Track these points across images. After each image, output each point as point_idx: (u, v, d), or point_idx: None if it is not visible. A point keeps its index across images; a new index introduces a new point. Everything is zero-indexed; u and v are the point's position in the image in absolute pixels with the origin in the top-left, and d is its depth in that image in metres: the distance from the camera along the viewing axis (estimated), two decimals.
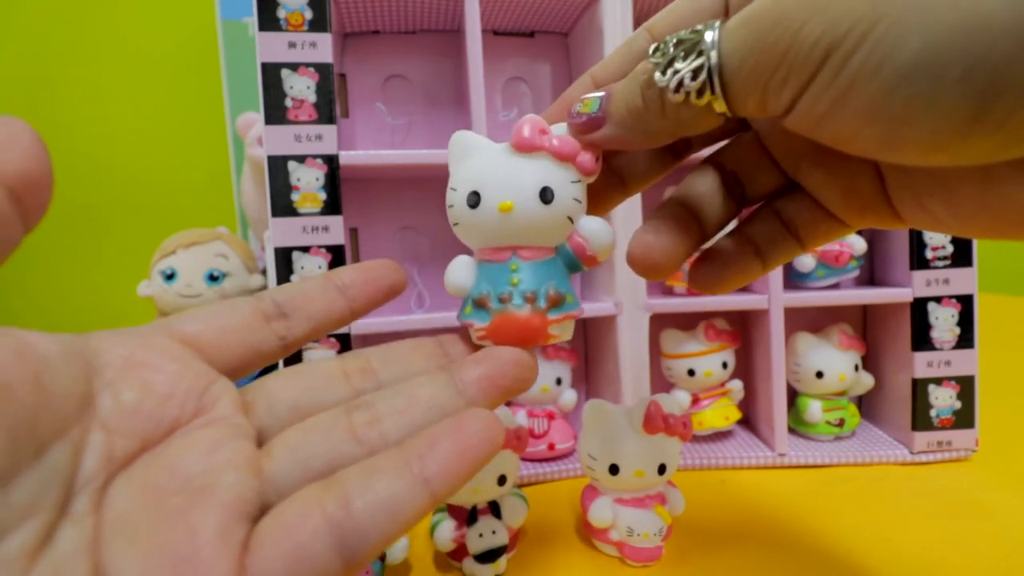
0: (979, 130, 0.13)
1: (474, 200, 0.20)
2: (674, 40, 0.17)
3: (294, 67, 0.35)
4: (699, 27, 0.16)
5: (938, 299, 0.40)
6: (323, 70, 0.35)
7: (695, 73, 0.16)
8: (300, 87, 0.35)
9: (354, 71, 0.44)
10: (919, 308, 0.40)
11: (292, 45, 0.35)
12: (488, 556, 0.29)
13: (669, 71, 0.16)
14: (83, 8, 0.85)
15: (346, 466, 0.16)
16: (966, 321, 0.40)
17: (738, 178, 0.22)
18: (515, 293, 0.20)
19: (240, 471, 0.15)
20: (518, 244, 0.20)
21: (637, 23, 0.40)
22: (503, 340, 0.20)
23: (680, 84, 0.16)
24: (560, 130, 0.20)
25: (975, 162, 0.14)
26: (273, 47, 0.35)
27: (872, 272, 0.46)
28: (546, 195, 0.19)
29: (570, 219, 0.20)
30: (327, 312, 0.20)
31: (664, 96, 0.17)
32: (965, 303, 0.40)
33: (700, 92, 0.16)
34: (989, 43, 0.12)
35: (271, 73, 0.35)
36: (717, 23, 0.16)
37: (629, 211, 0.39)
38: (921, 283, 0.40)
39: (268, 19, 0.35)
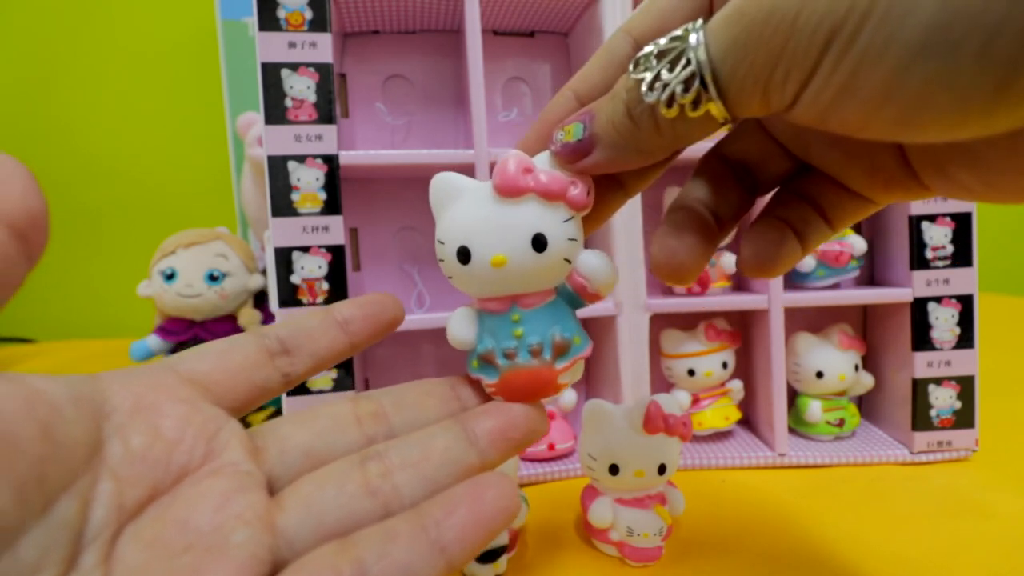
0: (1005, 103, 0.12)
1: (464, 255, 0.19)
2: (655, 51, 0.15)
3: (294, 67, 0.35)
4: (678, 33, 0.15)
5: (938, 299, 0.40)
6: (323, 70, 0.35)
7: (686, 84, 0.15)
8: (300, 87, 0.35)
9: (354, 71, 0.44)
10: (919, 308, 0.40)
11: (292, 45, 0.35)
12: (488, 556, 0.29)
13: (657, 85, 0.15)
14: (83, 8, 0.85)
15: (360, 522, 0.16)
16: (966, 321, 0.40)
17: (747, 167, 0.21)
18: (520, 347, 0.19)
19: (251, 527, 0.15)
20: (516, 293, 0.20)
21: None
22: (514, 396, 0.20)
23: (672, 98, 0.15)
24: (543, 161, 0.19)
25: (1002, 131, 0.13)
26: (273, 47, 0.35)
27: (872, 272, 0.46)
28: (539, 243, 0.18)
29: (567, 260, 0.19)
30: (329, 348, 0.20)
31: (656, 112, 0.16)
32: (965, 303, 0.40)
33: (696, 103, 0.15)
34: (1007, 9, 0.11)
35: (271, 73, 0.35)
36: (699, 23, 0.15)
37: (630, 214, 0.39)
38: (921, 283, 0.40)
39: (268, 19, 0.35)
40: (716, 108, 0.15)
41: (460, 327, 0.21)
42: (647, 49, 0.16)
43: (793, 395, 0.44)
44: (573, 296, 0.20)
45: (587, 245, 0.20)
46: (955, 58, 0.11)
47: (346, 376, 0.37)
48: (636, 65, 0.16)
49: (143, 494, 0.15)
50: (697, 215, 0.20)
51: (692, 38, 0.15)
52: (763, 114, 0.15)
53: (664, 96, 0.15)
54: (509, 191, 0.18)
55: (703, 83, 0.15)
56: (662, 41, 0.16)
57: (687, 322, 0.44)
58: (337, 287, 0.36)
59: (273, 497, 0.17)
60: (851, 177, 0.19)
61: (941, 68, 0.12)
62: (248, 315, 0.55)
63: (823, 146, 0.19)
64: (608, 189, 0.21)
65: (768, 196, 0.22)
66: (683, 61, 0.15)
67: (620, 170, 0.19)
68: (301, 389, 0.36)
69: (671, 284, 0.20)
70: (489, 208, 0.19)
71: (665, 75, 0.15)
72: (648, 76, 0.15)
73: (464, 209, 0.19)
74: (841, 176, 0.19)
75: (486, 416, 0.19)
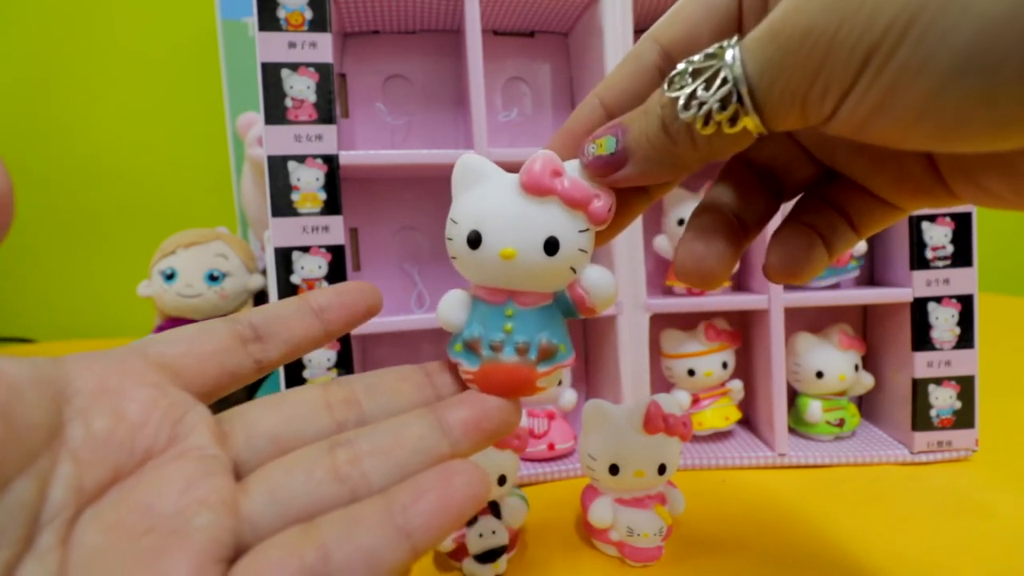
0: None
1: (475, 240, 0.19)
2: (690, 69, 0.16)
3: (294, 67, 0.35)
4: (712, 50, 0.15)
5: (938, 299, 0.40)
6: (323, 70, 0.35)
7: (723, 102, 0.15)
8: (300, 87, 0.35)
9: (354, 71, 0.44)
10: (919, 308, 0.40)
11: (292, 45, 0.35)
12: (488, 556, 0.29)
13: (693, 104, 0.15)
14: (83, 8, 0.85)
15: (327, 508, 0.16)
16: (966, 321, 0.40)
17: (772, 173, 0.21)
18: (507, 343, 0.19)
19: (215, 511, 0.15)
20: (516, 289, 0.20)
21: (637, 23, 0.40)
22: (490, 388, 0.20)
23: (709, 116, 0.15)
24: (573, 168, 0.19)
25: None
26: (273, 47, 0.35)
27: (872, 272, 0.46)
28: (551, 246, 0.18)
29: (573, 269, 0.19)
30: (303, 335, 0.20)
31: (692, 129, 0.16)
32: (965, 303, 0.40)
33: (733, 120, 0.15)
34: None
35: (271, 73, 0.35)
36: (734, 40, 0.15)
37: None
38: (921, 283, 0.40)
39: (268, 19, 0.35)
40: (753, 123, 0.15)
41: (451, 309, 0.21)
42: (681, 67, 0.16)
43: (793, 395, 0.44)
44: (569, 306, 0.20)
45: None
46: (995, 78, 0.11)
47: (346, 375, 0.37)
48: (671, 83, 0.16)
49: (104, 476, 0.15)
50: (724, 219, 0.20)
51: (728, 55, 0.15)
52: (800, 127, 0.15)
53: (701, 113, 0.15)
54: (535, 189, 0.18)
55: (740, 100, 0.15)
56: (696, 58, 0.16)
57: (687, 322, 0.44)
58: None
59: (239, 482, 0.16)
60: (878, 184, 0.19)
61: (980, 87, 0.12)
62: None
63: (849, 153, 0.19)
64: (633, 194, 0.21)
65: (792, 201, 0.22)
66: (719, 79, 0.15)
67: (651, 183, 0.19)
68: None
69: (698, 288, 0.20)
70: (510, 200, 0.19)
71: (701, 93, 0.15)
72: (684, 94, 0.16)
73: (484, 195, 0.19)
74: (868, 183, 0.19)
75: (460, 406, 0.19)
